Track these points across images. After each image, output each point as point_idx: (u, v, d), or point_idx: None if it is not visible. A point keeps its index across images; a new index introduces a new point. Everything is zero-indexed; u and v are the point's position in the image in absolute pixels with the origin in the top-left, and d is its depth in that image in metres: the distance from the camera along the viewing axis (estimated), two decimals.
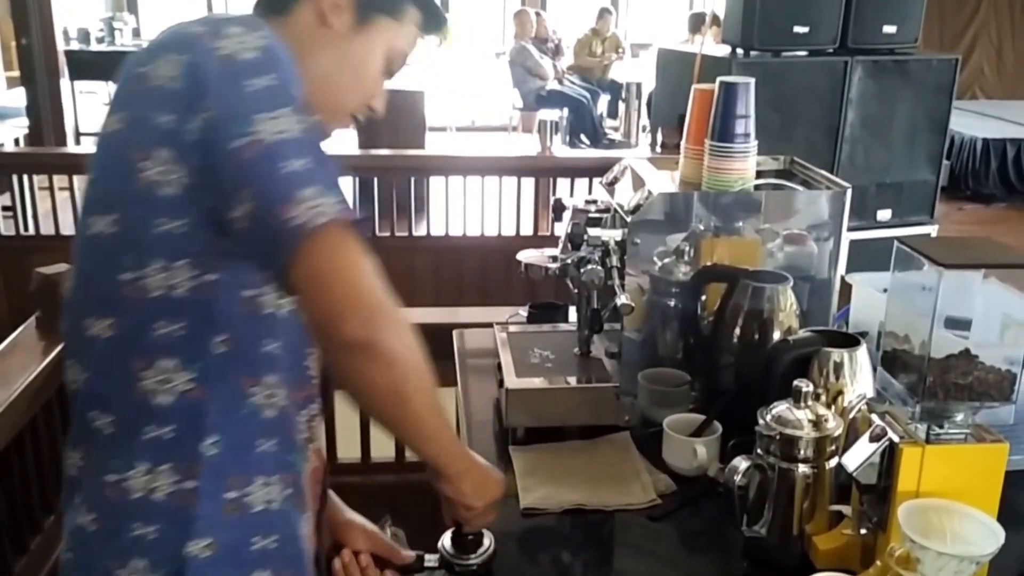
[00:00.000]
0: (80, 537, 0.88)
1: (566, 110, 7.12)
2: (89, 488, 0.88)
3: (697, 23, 7.27)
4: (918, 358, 0.94)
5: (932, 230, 3.18)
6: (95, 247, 0.86)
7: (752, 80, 1.25)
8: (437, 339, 1.64)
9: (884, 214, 3.13)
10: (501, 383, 1.27)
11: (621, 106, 7.57)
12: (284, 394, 0.91)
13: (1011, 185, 6.45)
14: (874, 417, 0.97)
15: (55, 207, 3.38)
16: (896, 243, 0.97)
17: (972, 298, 0.97)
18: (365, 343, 0.81)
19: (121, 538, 0.85)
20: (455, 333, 1.58)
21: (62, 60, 5.69)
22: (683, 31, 7.58)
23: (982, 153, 6.42)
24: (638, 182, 1.32)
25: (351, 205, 0.83)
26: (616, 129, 7.61)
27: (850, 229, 3.24)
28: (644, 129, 6.98)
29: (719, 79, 1.26)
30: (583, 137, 7.36)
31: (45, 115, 5.41)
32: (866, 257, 2.97)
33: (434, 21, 1.04)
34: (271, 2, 0.95)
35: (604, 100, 7.80)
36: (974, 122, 6.69)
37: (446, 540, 1.03)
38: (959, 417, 0.93)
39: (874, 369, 1.08)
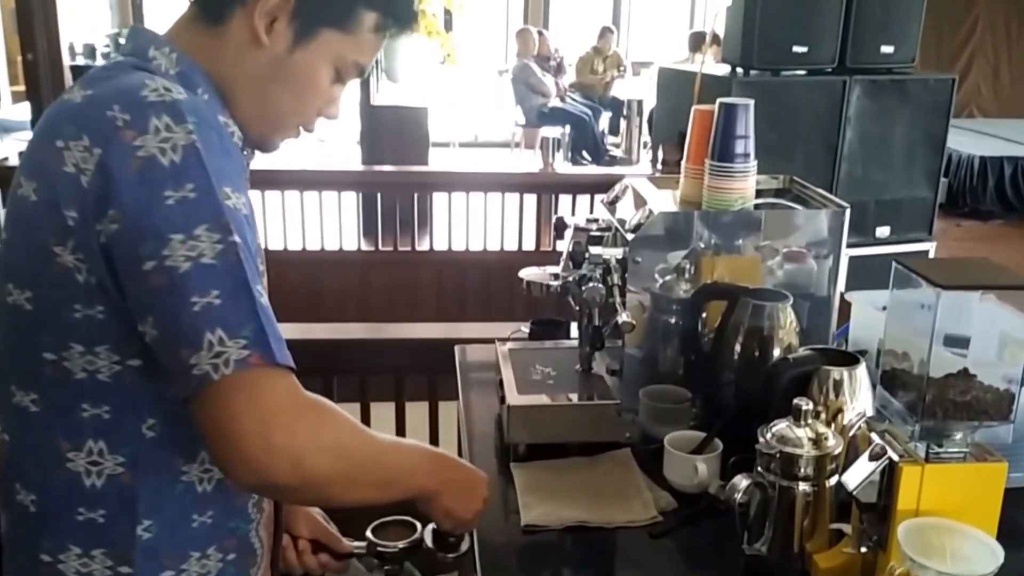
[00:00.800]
0: None
1: (568, 127, 7.17)
2: (21, 563, 0.87)
3: (697, 42, 7.32)
4: (917, 377, 0.95)
5: (930, 247, 3.20)
6: (14, 318, 0.83)
7: (751, 101, 1.26)
8: (440, 354, 1.66)
9: (883, 231, 3.15)
10: (503, 399, 1.28)
11: (622, 123, 7.61)
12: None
13: (1008, 202, 6.51)
14: (874, 436, 0.97)
15: None
16: (894, 263, 0.98)
17: (970, 316, 0.98)
18: (259, 487, 0.82)
19: None
20: (457, 348, 1.59)
21: (67, 75, 5.72)
22: (684, 50, 7.64)
23: (979, 171, 6.48)
24: (639, 201, 1.34)
25: (269, 334, 0.76)
26: (617, 146, 7.65)
27: (849, 246, 3.26)
28: (645, 146, 7.02)
29: (719, 100, 1.27)
30: (585, 154, 7.40)
31: None
32: (865, 274, 2.99)
33: (399, 20, 0.92)
34: (207, 10, 0.88)
35: (606, 117, 7.86)
36: (971, 140, 6.75)
37: (427, 534, 1.06)
38: (958, 436, 0.94)
39: (873, 387, 1.09)
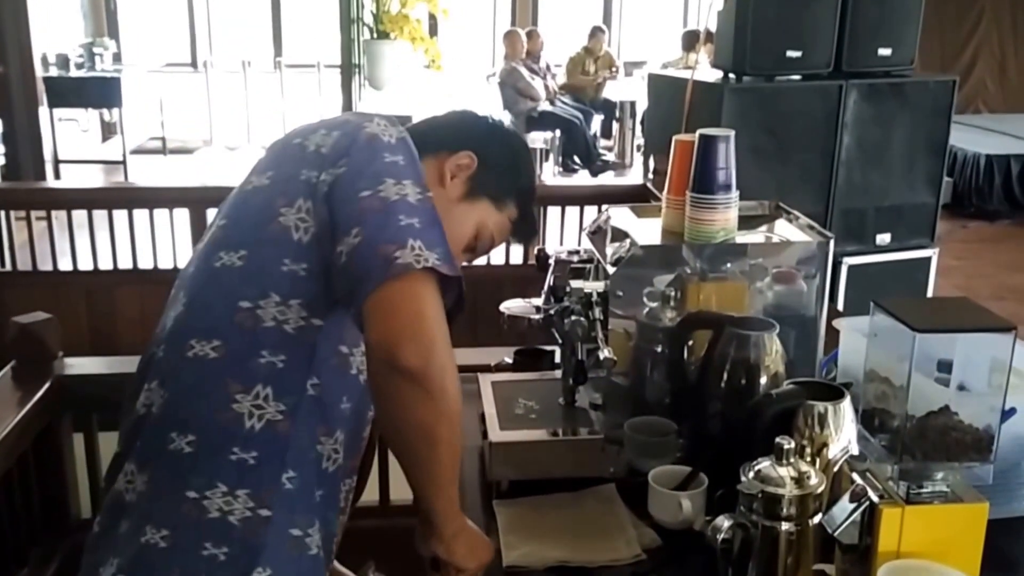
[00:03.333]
0: (147, 556, 0.91)
1: (558, 131, 7.13)
2: (158, 508, 0.92)
3: (691, 40, 7.30)
4: (896, 416, 0.94)
5: (933, 253, 3.17)
6: (219, 277, 0.96)
7: (732, 132, 1.26)
8: None
9: (883, 238, 3.12)
10: (485, 435, 1.27)
11: (615, 126, 7.59)
12: (342, 454, 0.99)
13: (1016, 202, 6.40)
14: (855, 476, 0.97)
15: (32, 241, 3.34)
16: (872, 303, 0.97)
17: (955, 345, 0.97)
18: (417, 371, 0.88)
19: (192, 555, 0.90)
20: None
21: (40, 87, 5.65)
22: (677, 49, 7.62)
23: (985, 169, 6.37)
24: (620, 233, 1.33)
25: (453, 264, 0.92)
26: (610, 149, 7.62)
27: (849, 254, 3.26)
28: (639, 149, 7.00)
29: (699, 132, 1.26)
30: (576, 159, 7.36)
31: (23, 144, 5.39)
32: (865, 282, 3.00)
33: (526, 226, 1.18)
34: (425, 148, 1.07)
35: (598, 120, 7.81)
36: (977, 138, 6.66)
37: None
38: (939, 476, 0.93)
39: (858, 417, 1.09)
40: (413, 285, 0.88)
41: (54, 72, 6.33)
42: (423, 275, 0.88)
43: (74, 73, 6.54)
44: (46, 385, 1.65)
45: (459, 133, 1.14)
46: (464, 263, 1.15)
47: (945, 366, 0.98)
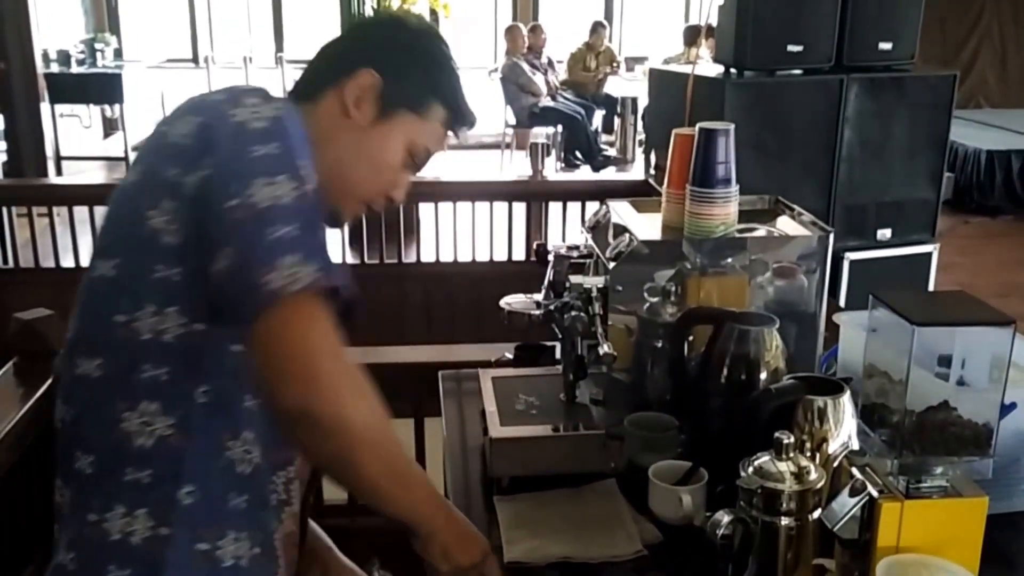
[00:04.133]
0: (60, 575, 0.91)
1: (560, 127, 7.12)
2: (71, 526, 0.92)
3: (693, 35, 7.28)
4: (896, 411, 0.94)
5: (934, 248, 3.16)
6: (96, 289, 0.92)
7: (731, 126, 1.25)
8: (427, 376, 1.65)
9: (884, 233, 3.12)
10: (486, 431, 1.27)
11: (616, 121, 7.57)
12: (260, 452, 0.93)
13: (1017, 197, 6.37)
14: (854, 470, 0.97)
15: (34, 238, 3.35)
16: (871, 297, 0.97)
17: (954, 339, 0.97)
18: (300, 413, 0.82)
19: None
20: (441, 375, 1.58)
21: (42, 84, 5.65)
22: (679, 44, 7.60)
23: (987, 165, 6.35)
24: (620, 228, 1.33)
25: (334, 270, 0.85)
26: (612, 144, 7.61)
27: (850, 249, 3.26)
28: (640, 144, 6.99)
29: (698, 125, 1.26)
30: (578, 154, 7.36)
31: (25, 140, 5.40)
32: (866, 278, 3.00)
33: (460, 120, 1.07)
34: (303, 88, 1.02)
35: (599, 115, 7.80)
36: (978, 133, 6.63)
37: None
38: (938, 471, 0.93)
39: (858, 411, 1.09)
40: (285, 315, 0.81)
41: (55, 68, 6.33)
42: (297, 299, 0.81)
43: (75, 69, 6.53)
44: (48, 381, 1.65)
45: (352, 52, 1.02)
46: (409, 181, 1.07)
47: (945, 361, 0.98)
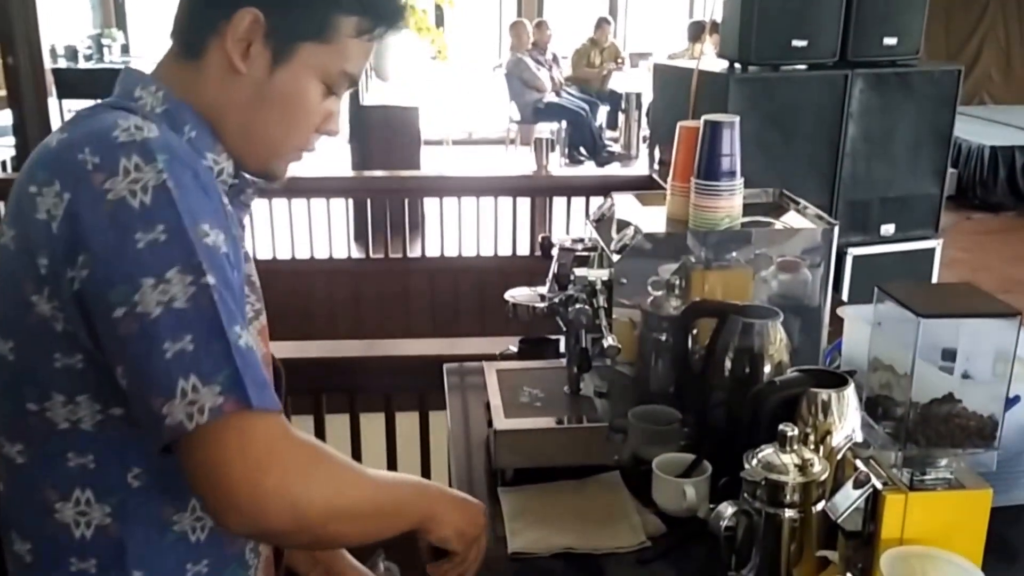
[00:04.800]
0: None
1: (564, 122, 7.12)
2: None
3: (697, 31, 7.27)
4: (900, 404, 0.94)
5: (937, 244, 3.17)
6: (1, 368, 0.82)
7: (736, 118, 1.25)
8: (431, 369, 1.66)
9: (888, 228, 3.12)
10: (490, 423, 1.28)
11: (621, 117, 7.56)
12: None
13: (1020, 194, 6.37)
14: (858, 463, 0.97)
15: None
16: (876, 289, 0.97)
17: (959, 331, 0.97)
18: (256, 534, 0.80)
19: None
20: (446, 368, 1.59)
21: (49, 79, 5.67)
22: (683, 40, 7.58)
23: (990, 161, 6.35)
24: (624, 221, 1.33)
25: (243, 373, 0.73)
26: (616, 140, 7.60)
27: (853, 244, 3.26)
28: (644, 140, 6.98)
29: (703, 118, 1.26)
30: (582, 150, 7.35)
31: (33, 135, 5.41)
32: (870, 273, 3.00)
33: (381, 18, 0.88)
34: (185, 44, 0.87)
35: (603, 111, 7.79)
36: (982, 129, 6.63)
37: None
38: (943, 463, 0.93)
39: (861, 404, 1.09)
40: (193, 451, 0.73)
41: (63, 64, 6.36)
42: (204, 431, 0.71)
43: (83, 64, 6.57)
44: None
45: None
46: (339, 108, 0.92)
47: (949, 354, 0.98)
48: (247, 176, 0.93)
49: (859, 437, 1.11)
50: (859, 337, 1.42)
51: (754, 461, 1.02)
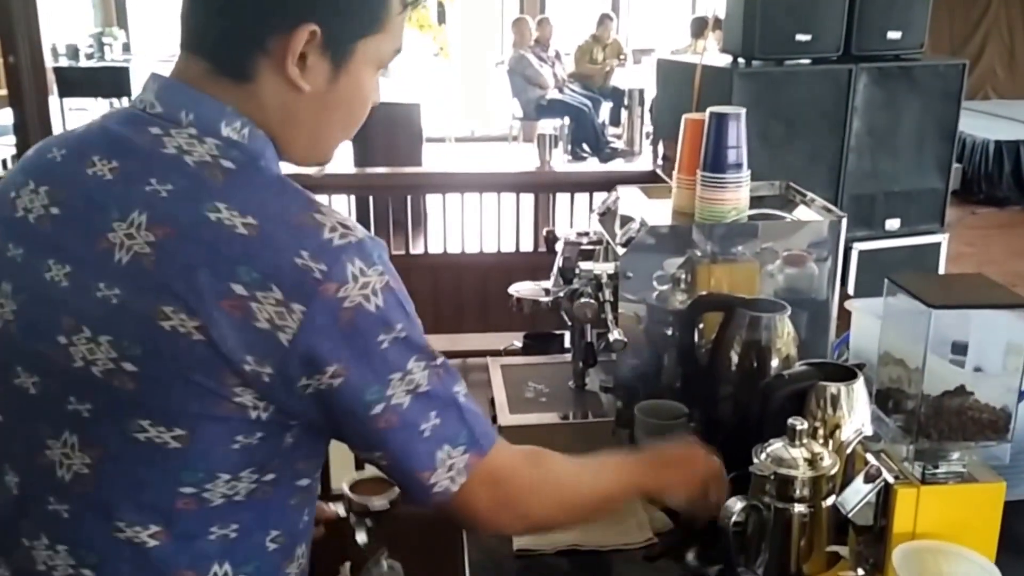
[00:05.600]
0: None
1: (567, 119, 7.10)
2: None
3: (700, 27, 7.24)
4: (911, 396, 0.93)
5: (943, 239, 3.15)
6: (152, 455, 0.75)
7: (743, 110, 1.24)
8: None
9: (893, 223, 3.10)
10: (494, 419, 1.26)
11: (623, 113, 7.55)
12: (303, 553, 0.89)
13: None
14: (869, 456, 0.95)
15: None
16: (886, 281, 0.95)
17: (970, 324, 0.96)
18: (525, 531, 1.02)
19: None
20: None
21: (51, 77, 5.67)
22: (686, 36, 7.56)
23: (995, 156, 6.33)
24: (630, 214, 1.31)
25: (478, 420, 0.83)
26: (619, 137, 7.58)
27: (858, 239, 3.24)
28: (647, 136, 6.96)
29: (709, 110, 1.25)
30: (585, 146, 7.34)
31: (34, 134, 5.41)
32: (875, 268, 2.98)
33: None
34: (229, 68, 0.79)
35: (606, 108, 7.78)
36: (986, 124, 6.60)
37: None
38: (955, 456, 0.92)
39: (872, 398, 1.07)
40: (461, 506, 0.83)
41: (64, 62, 6.35)
42: (466, 489, 0.81)
43: (84, 63, 6.57)
44: None
45: (267, 3, 0.77)
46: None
47: (960, 348, 0.97)
48: None
49: (869, 431, 1.09)
50: (868, 330, 1.40)
51: (763, 455, 1.00)
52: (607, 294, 1.22)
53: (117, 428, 0.75)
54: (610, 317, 1.21)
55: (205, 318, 0.71)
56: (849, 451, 1.06)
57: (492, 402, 1.30)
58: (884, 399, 0.98)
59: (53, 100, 5.71)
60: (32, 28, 5.33)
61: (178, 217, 0.73)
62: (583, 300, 1.22)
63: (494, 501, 0.85)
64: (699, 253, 1.25)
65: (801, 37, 2.84)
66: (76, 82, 6.16)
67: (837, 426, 1.11)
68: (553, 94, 7.46)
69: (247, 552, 0.81)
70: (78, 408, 0.75)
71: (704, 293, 1.27)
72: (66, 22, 6.63)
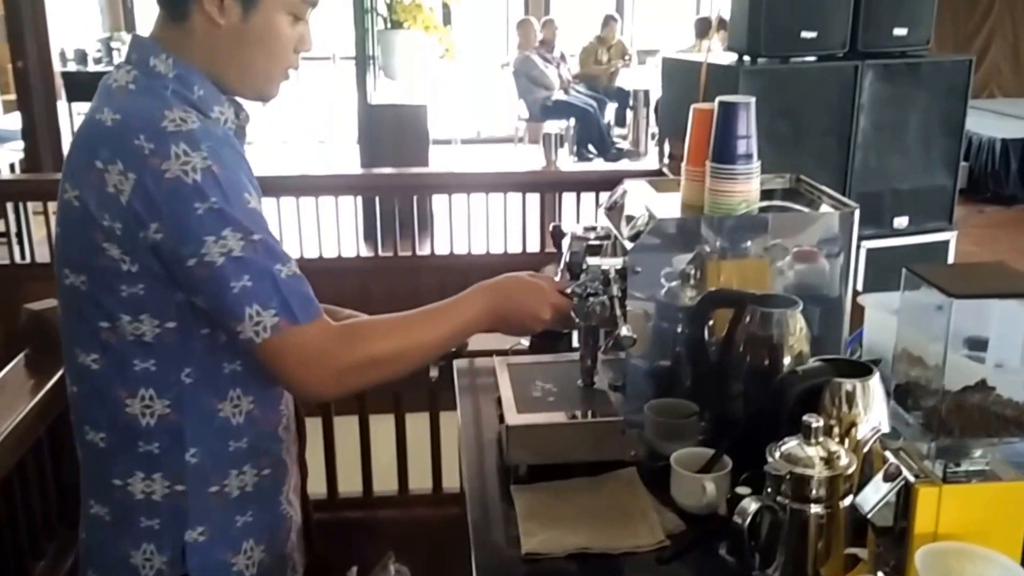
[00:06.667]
0: (97, 525, 1.08)
1: (572, 120, 7.08)
2: (98, 487, 1.07)
3: (704, 28, 7.22)
4: (932, 391, 0.90)
5: (951, 237, 3.11)
6: (73, 296, 1.03)
7: (752, 99, 1.21)
8: (443, 368, 1.61)
9: (901, 221, 3.07)
10: (501, 418, 1.24)
11: (629, 114, 7.52)
12: (249, 400, 1.07)
13: None
14: (888, 454, 0.92)
15: (50, 233, 3.36)
16: (904, 270, 0.92)
17: (990, 318, 0.93)
18: (338, 395, 1.05)
19: (132, 528, 1.05)
20: (455, 365, 1.55)
21: (59, 82, 5.68)
22: (690, 36, 7.53)
23: (1001, 154, 6.31)
24: (638, 207, 1.29)
25: (291, 293, 0.98)
26: (624, 138, 7.56)
27: (866, 237, 3.21)
28: (653, 137, 6.93)
29: (718, 99, 1.22)
30: (591, 147, 7.32)
31: (42, 138, 5.42)
32: (884, 265, 2.95)
33: None
34: (171, 11, 1.03)
35: (611, 109, 7.75)
36: (992, 122, 6.57)
37: None
38: (977, 453, 0.89)
39: (888, 395, 1.04)
40: (267, 356, 0.97)
41: (72, 67, 6.36)
42: (269, 343, 0.96)
43: (92, 68, 6.57)
44: (58, 373, 1.63)
45: None
46: (309, 26, 1.09)
47: (976, 344, 0.94)
48: (244, 107, 1.11)
49: (886, 428, 1.06)
50: (881, 326, 1.37)
51: (777, 454, 0.97)
52: (615, 290, 1.19)
53: (60, 276, 1.04)
54: (619, 313, 1.18)
55: (80, 188, 0.98)
56: (866, 449, 1.03)
57: (499, 401, 1.27)
58: (903, 395, 0.95)
59: (61, 104, 5.71)
60: (41, 34, 5.34)
61: (85, 124, 1.01)
62: (591, 297, 1.19)
63: (299, 364, 0.98)
64: (708, 248, 1.22)
65: (807, 34, 2.81)
66: (84, 86, 6.14)
67: (853, 424, 1.08)
68: (558, 95, 7.43)
69: (165, 384, 1.02)
70: (60, 270, 1.04)
71: (714, 289, 1.24)
72: (74, 27, 6.63)
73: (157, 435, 1.03)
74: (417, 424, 2.07)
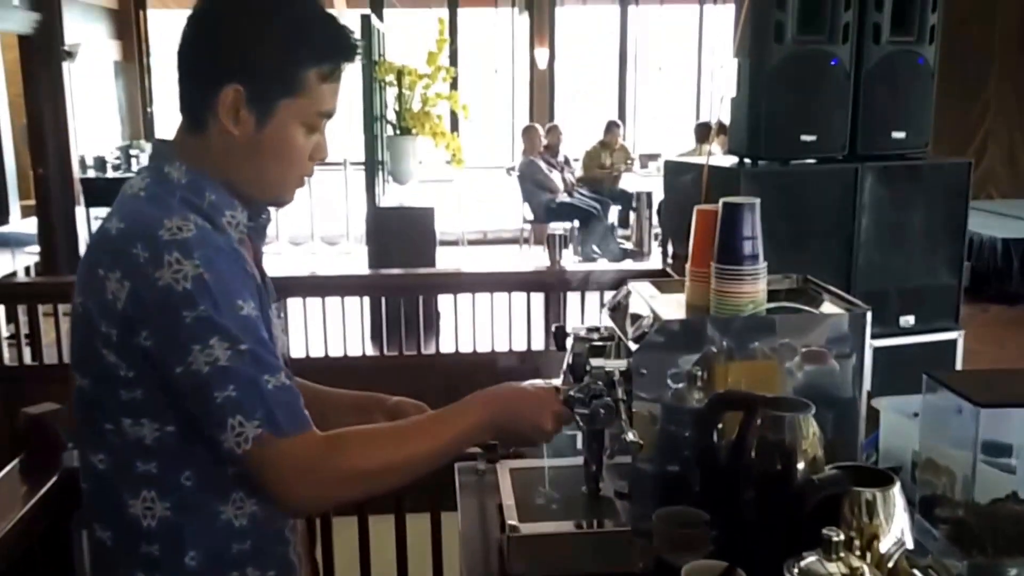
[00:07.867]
0: None
1: (576, 221, 7.18)
2: None
3: (704, 132, 7.42)
4: (959, 504, 0.85)
5: (958, 335, 3.07)
6: (82, 398, 1.06)
7: (757, 200, 1.21)
8: (445, 468, 1.56)
9: (907, 320, 3.04)
10: (503, 527, 1.18)
11: (632, 215, 7.64)
12: (253, 502, 1.07)
13: None
14: (917, 573, 0.86)
15: (59, 336, 3.35)
16: (925, 376, 0.89)
17: (1012, 423, 0.89)
18: (323, 508, 1.13)
19: None
20: (456, 467, 1.49)
21: (78, 188, 5.81)
22: (691, 141, 7.74)
23: (1003, 253, 6.37)
24: (642, 308, 1.27)
25: (277, 406, 0.97)
26: (628, 238, 7.65)
27: (873, 337, 3.16)
28: (656, 237, 7.01)
29: (722, 200, 1.22)
30: (595, 248, 7.39)
31: (60, 243, 5.51)
32: (891, 366, 2.89)
33: (338, 57, 1.06)
34: (192, 122, 1.06)
35: (615, 210, 7.88)
36: (992, 222, 6.68)
37: None
38: (1013, 573, 0.83)
39: (911, 503, 0.99)
40: (251, 467, 0.98)
41: (92, 174, 6.54)
42: (251, 454, 0.96)
43: (111, 174, 6.75)
44: (53, 479, 1.58)
45: (212, 66, 1.03)
46: (325, 137, 1.10)
47: (998, 450, 0.90)
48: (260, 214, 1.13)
49: (909, 542, 1.00)
50: (898, 430, 1.33)
51: (795, 570, 0.91)
52: (620, 392, 1.16)
53: (72, 377, 1.06)
54: (624, 417, 1.14)
55: (84, 294, 1.02)
56: (891, 565, 0.97)
57: (500, 508, 1.21)
58: (928, 507, 0.90)
59: (79, 210, 5.83)
60: (62, 142, 5.51)
61: (96, 232, 1.04)
62: (595, 400, 1.16)
63: (282, 478, 0.97)
64: (715, 349, 1.20)
65: (806, 138, 2.85)
66: (102, 192, 6.28)
67: (875, 536, 1.02)
68: (563, 197, 7.57)
69: (167, 487, 1.03)
70: (72, 373, 1.07)
71: (722, 391, 1.20)
72: (94, 135, 6.85)
73: (157, 537, 1.04)
74: (419, 525, 2.00)
